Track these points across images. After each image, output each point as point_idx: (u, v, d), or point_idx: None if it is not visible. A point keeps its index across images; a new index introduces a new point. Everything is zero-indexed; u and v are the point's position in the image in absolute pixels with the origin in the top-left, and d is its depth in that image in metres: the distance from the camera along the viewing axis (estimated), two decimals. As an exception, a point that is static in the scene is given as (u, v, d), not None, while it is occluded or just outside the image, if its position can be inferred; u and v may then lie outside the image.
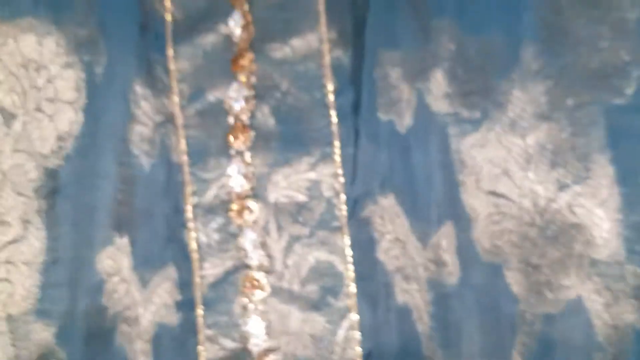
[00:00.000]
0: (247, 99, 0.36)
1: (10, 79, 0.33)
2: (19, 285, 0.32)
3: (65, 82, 0.34)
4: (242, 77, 0.36)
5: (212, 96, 0.36)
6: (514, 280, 0.32)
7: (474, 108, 0.33)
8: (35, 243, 0.32)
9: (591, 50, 0.33)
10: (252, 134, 0.36)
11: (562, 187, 0.32)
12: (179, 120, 0.36)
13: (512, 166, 0.33)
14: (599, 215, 0.32)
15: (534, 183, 0.33)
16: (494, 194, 0.33)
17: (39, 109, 0.33)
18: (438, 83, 0.34)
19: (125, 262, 0.34)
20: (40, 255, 0.32)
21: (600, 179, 0.32)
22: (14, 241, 0.32)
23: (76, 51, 0.34)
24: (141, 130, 0.35)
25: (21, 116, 0.33)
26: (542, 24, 0.33)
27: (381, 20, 0.35)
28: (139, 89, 0.35)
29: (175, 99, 0.36)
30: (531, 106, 0.33)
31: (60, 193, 0.33)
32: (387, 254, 0.34)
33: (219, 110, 0.36)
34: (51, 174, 0.33)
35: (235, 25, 0.36)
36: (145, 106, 0.35)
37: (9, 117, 0.33)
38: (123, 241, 0.34)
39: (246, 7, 0.36)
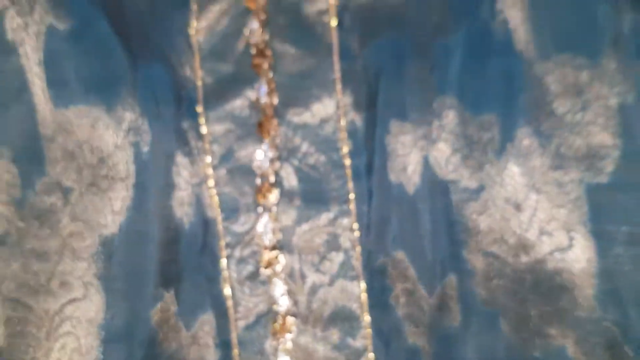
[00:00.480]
0: (272, 160, 0.40)
1: (67, 158, 0.38)
2: (83, 339, 0.37)
3: (117, 161, 0.38)
4: (268, 140, 0.40)
5: (241, 157, 0.40)
6: (508, 327, 0.37)
7: (474, 178, 0.38)
8: (95, 302, 0.38)
9: (577, 132, 0.37)
10: (277, 192, 0.40)
11: (551, 252, 0.37)
12: (212, 179, 0.40)
13: (507, 232, 0.37)
14: (580, 279, 0.36)
15: (527, 248, 0.37)
16: (491, 254, 0.38)
17: (93, 184, 0.38)
18: (442, 153, 0.38)
19: (172, 310, 0.39)
20: (100, 312, 0.38)
21: (582, 249, 0.36)
22: (76, 300, 0.37)
23: (125, 134, 0.38)
24: (182, 195, 0.39)
25: (77, 190, 0.38)
26: (534, 106, 0.37)
27: (392, 93, 0.39)
28: (179, 159, 0.39)
29: (208, 159, 0.40)
30: (525, 179, 0.37)
31: (115, 258, 0.38)
32: (398, 300, 0.39)
33: (247, 170, 0.40)
34: (106, 241, 0.38)
35: (260, 92, 0.40)
36: (184, 173, 0.40)
37: (67, 191, 0.38)
38: (170, 295, 0.39)
39: (270, 75, 0.40)
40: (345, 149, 0.40)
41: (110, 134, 0.38)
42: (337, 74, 0.40)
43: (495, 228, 0.37)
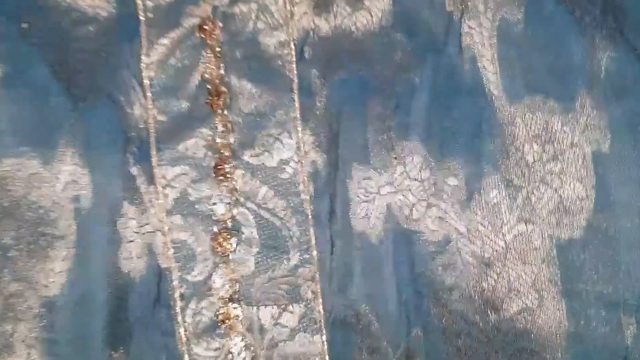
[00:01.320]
0: (229, 205, 0.38)
1: (4, 215, 0.36)
2: None
3: (56, 218, 0.36)
4: (225, 183, 0.38)
5: (196, 202, 0.38)
6: None
7: (440, 230, 0.35)
8: None
9: (548, 183, 0.34)
10: (235, 239, 0.38)
11: (519, 312, 0.34)
12: (166, 226, 0.38)
13: (474, 288, 0.35)
14: (550, 342, 0.34)
15: (495, 306, 0.34)
16: (458, 312, 0.35)
17: (33, 243, 0.36)
18: (406, 201, 0.36)
19: None
20: None
21: (552, 309, 0.34)
22: None
23: (63, 188, 0.36)
24: (130, 248, 0.37)
25: (17, 249, 0.35)
26: (503, 153, 0.34)
27: (354, 135, 0.36)
28: (126, 209, 0.37)
29: (161, 205, 0.38)
30: (492, 232, 0.34)
31: (57, 320, 0.36)
32: (361, 356, 0.37)
33: (203, 215, 0.38)
34: (48, 303, 0.36)
35: (214, 131, 0.38)
36: (132, 224, 0.37)
37: (7, 250, 0.35)
38: (119, 355, 0.37)
39: (226, 113, 0.38)
40: (306, 193, 0.37)
41: (47, 188, 0.35)
42: (297, 112, 0.37)
43: (462, 284, 0.34)
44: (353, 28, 0.37)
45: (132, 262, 0.37)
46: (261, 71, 0.38)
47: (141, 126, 0.38)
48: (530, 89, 0.35)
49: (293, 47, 0.37)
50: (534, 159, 0.34)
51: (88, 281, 0.36)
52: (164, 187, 0.38)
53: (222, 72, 0.38)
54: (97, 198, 0.36)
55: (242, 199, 0.38)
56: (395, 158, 0.36)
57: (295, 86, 0.37)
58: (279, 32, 0.37)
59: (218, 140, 0.38)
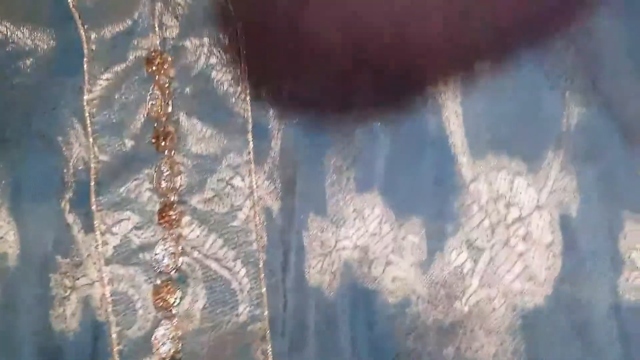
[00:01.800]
0: (174, 255, 0.35)
1: None
2: None
3: None
4: (170, 231, 0.35)
5: (138, 250, 0.35)
6: None
7: (400, 291, 0.32)
8: None
9: (512, 247, 0.32)
10: (179, 292, 0.35)
11: None
12: (105, 277, 0.35)
13: (432, 357, 0.32)
14: None
15: None
16: None
17: None
18: (365, 257, 0.33)
19: None
20: None
21: None
22: None
23: None
24: (63, 304, 0.34)
25: None
26: (465, 214, 0.32)
27: (310, 183, 0.33)
28: (58, 263, 0.34)
29: (101, 253, 0.35)
30: (454, 297, 0.32)
31: None
32: None
33: (146, 265, 0.35)
34: None
35: (160, 174, 0.35)
36: (66, 281, 0.34)
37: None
38: None
39: (173, 154, 0.35)
40: (258, 243, 0.34)
41: None
42: (251, 155, 0.34)
43: (421, 351, 0.32)
44: None
45: (66, 320, 0.34)
46: (213, 110, 0.35)
47: (80, 168, 0.35)
48: (495, 145, 0.32)
49: (248, 84, 0.35)
50: (498, 220, 0.32)
51: (14, 347, 0.33)
52: (103, 234, 0.35)
53: (170, 109, 0.35)
54: (25, 255, 0.33)
55: (188, 248, 0.35)
56: (354, 211, 0.33)
57: (249, 127, 0.35)
58: (232, 68, 0.35)
59: (164, 183, 0.35)
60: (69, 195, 0.34)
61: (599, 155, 0.31)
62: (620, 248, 0.31)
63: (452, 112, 0.33)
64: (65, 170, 0.34)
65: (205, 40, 0.35)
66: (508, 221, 0.32)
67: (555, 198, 0.31)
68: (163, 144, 0.35)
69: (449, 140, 0.32)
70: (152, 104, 0.35)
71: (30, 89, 0.34)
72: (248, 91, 0.35)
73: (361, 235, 0.33)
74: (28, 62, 0.35)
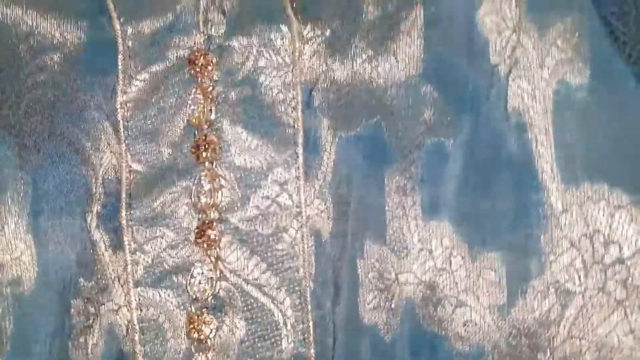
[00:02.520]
0: (211, 280, 0.31)
1: None
2: None
3: None
4: (208, 251, 0.31)
5: (172, 271, 0.31)
6: None
7: (472, 338, 0.28)
8: None
9: (608, 296, 0.27)
10: (215, 322, 0.31)
11: None
12: (133, 301, 0.31)
13: None
14: None
15: None
16: None
17: None
18: (429, 294, 0.29)
19: None
20: None
21: None
22: None
23: None
24: (85, 337, 0.31)
25: None
26: (553, 251, 0.27)
27: (367, 206, 0.30)
28: (81, 286, 0.31)
29: (129, 274, 0.31)
30: (536, 351, 0.27)
31: None
32: None
33: (179, 289, 0.31)
34: None
35: (199, 187, 0.31)
36: (90, 308, 0.31)
37: None
38: None
39: (214, 166, 0.31)
40: (306, 270, 0.30)
41: None
42: (301, 170, 0.30)
43: None
44: (374, 74, 0.30)
45: (88, 351, 0.30)
46: (260, 118, 0.31)
47: (109, 178, 0.31)
48: (592, 173, 0.28)
49: (300, 91, 0.31)
50: (593, 260, 0.27)
51: None
52: (133, 253, 0.31)
53: (212, 116, 0.31)
54: (43, 279, 0.30)
55: (227, 272, 0.31)
56: (420, 241, 0.29)
57: (299, 139, 0.31)
58: (283, 73, 0.31)
59: (203, 198, 0.31)
60: (96, 208, 0.31)
61: None
62: None
63: (540, 130, 0.28)
64: (93, 181, 0.31)
65: (255, 40, 0.31)
66: (606, 262, 0.27)
67: None
68: (204, 154, 0.31)
69: (536, 163, 0.28)
70: (193, 109, 0.31)
71: (56, 88, 0.31)
72: (300, 98, 0.31)
73: (427, 269, 0.29)
74: (55, 57, 0.31)
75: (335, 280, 0.30)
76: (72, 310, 0.31)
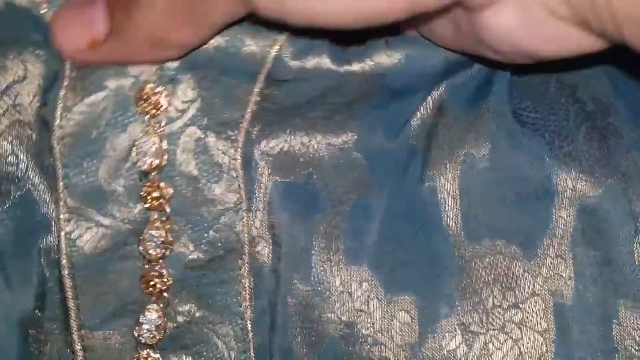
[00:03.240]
0: (159, 328, 0.32)
1: None
2: None
3: None
4: (155, 301, 0.33)
5: (118, 317, 0.32)
6: None
7: None
8: None
9: (507, 332, 0.31)
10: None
11: None
12: (77, 346, 0.32)
13: None
14: None
15: None
16: None
17: None
18: (351, 335, 0.32)
19: None
20: None
21: None
22: None
23: None
24: None
25: None
26: (461, 295, 0.32)
27: (295, 249, 0.33)
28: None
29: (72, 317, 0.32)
30: None
31: None
32: None
33: (125, 330, 0.32)
34: None
35: (150, 239, 0.33)
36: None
37: None
38: None
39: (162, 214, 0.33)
40: (246, 305, 0.33)
41: None
42: (244, 215, 0.33)
43: None
44: (310, 133, 0.33)
45: None
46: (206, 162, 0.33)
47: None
48: (492, 230, 0.32)
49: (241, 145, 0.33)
50: (493, 304, 0.32)
51: None
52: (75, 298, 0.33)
53: (164, 161, 0.32)
54: None
55: (175, 315, 0.33)
56: (341, 283, 0.32)
57: (241, 181, 0.33)
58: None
59: (152, 251, 0.32)
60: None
61: (596, 241, 0.31)
62: (615, 336, 0.31)
63: (448, 193, 0.33)
64: None
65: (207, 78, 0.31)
66: (504, 306, 0.32)
67: (550, 285, 0.31)
68: (154, 202, 0.32)
69: (444, 222, 0.32)
70: (142, 152, 0.31)
71: None
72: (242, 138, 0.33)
73: (347, 310, 0.32)
74: None
75: (271, 314, 0.32)
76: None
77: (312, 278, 0.32)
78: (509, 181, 0.33)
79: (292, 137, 0.33)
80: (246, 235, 0.32)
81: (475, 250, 0.32)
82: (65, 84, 0.31)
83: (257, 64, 0.31)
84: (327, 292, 0.32)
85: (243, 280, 0.32)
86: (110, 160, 0.31)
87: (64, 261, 0.31)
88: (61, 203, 0.31)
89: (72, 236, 0.31)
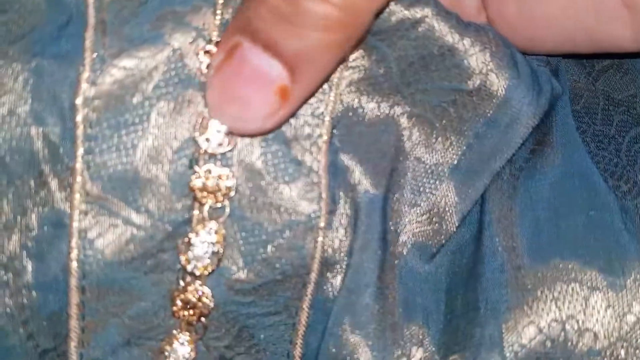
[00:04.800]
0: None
1: None
2: None
3: None
4: (187, 329, 0.25)
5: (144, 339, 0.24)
6: None
7: None
8: None
9: None
10: None
11: None
12: None
13: None
14: None
15: None
16: None
17: None
18: None
19: None
20: None
21: None
22: None
23: None
24: None
25: None
26: None
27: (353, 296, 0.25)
28: None
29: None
30: None
31: None
32: None
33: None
34: None
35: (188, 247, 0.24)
36: None
37: None
38: None
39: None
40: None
41: None
42: (320, 234, 0.25)
43: None
44: (407, 132, 0.26)
45: None
46: (276, 154, 0.25)
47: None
48: (562, 249, 0.26)
49: (329, 127, 0.25)
50: (565, 348, 0.25)
51: None
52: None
53: None
54: None
55: (207, 348, 0.25)
56: (399, 347, 0.25)
57: (323, 189, 0.25)
58: (315, 100, 0.25)
59: (189, 265, 0.24)
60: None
61: None
62: None
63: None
64: None
65: None
66: (578, 352, 0.25)
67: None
68: (201, 199, 0.24)
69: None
70: (188, 126, 0.23)
71: None
72: (327, 137, 0.25)
73: None
74: None
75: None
76: None
77: (366, 329, 0.25)
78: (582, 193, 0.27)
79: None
80: (317, 258, 0.24)
81: (542, 275, 0.26)
82: (93, 22, 0.22)
83: None
84: (383, 350, 0.25)
85: (300, 315, 0.25)
86: (153, 136, 0.23)
87: (73, 267, 0.22)
88: (77, 188, 0.22)
89: (89, 235, 0.22)
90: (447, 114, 0.25)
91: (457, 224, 0.26)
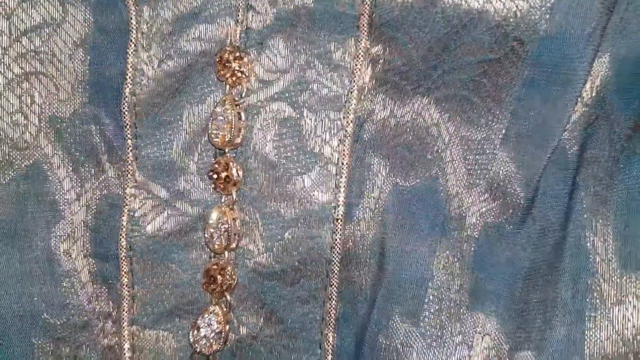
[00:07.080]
0: (218, 337, 0.26)
1: None
2: None
3: None
4: (217, 301, 0.26)
5: (174, 316, 0.27)
6: None
7: None
8: None
9: None
10: None
11: None
12: (126, 344, 0.27)
13: None
14: None
15: None
16: None
17: None
18: None
19: None
20: None
21: None
22: None
23: None
24: None
25: None
26: None
27: (401, 278, 0.24)
28: (46, 322, 0.27)
29: (124, 309, 0.26)
30: None
31: None
32: None
33: (180, 335, 0.26)
34: None
35: (216, 225, 0.25)
36: (60, 348, 0.27)
37: None
38: None
39: (234, 199, 0.25)
40: (327, 341, 0.26)
41: None
42: (339, 221, 0.25)
43: None
44: (439, 122, 0.25)
45: None
46: (297, 147, 0.25)
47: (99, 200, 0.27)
48: None
49: (352, 121, 0.25)
50: None
51: None
52: (130, 286, 0.26)
53: (238, 139, 0.25)
54: None
55: (237, 325, 0.26)
56: (460, 333, 0.24)
57: (343, 180, 0.25)
58: (335, 94, 0.25)
59: (217, 240, 0.26)
60: (77, 233, 0.27)
61: None
62: None
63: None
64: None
65: (307, 44, 0.25)
66: None
67: None
68: (222, 185, 0.25)
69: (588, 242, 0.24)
70: (216, 125, 0.25)
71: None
72: (350, 130, 0.25)
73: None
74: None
75: (356, 351, 0.25)
76: (37, 352, 0.26)
77: (420, 319, 0.24)
78: None
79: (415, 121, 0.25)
80: (338, 249, 0.25)
81: (630, 284, 0.23)
82: (134, 37, 0.26)
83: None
84: (439, 341, 0.24)
85: (328, 305, 0.25)
86: (185, 133, 0.26)
87: (122, 242, 0.26)
88: (129, 177, 0.26)
89: (136, 214, 0.26)
90: (482, 86, 0.24)
91: (522, 195, 0.24)
